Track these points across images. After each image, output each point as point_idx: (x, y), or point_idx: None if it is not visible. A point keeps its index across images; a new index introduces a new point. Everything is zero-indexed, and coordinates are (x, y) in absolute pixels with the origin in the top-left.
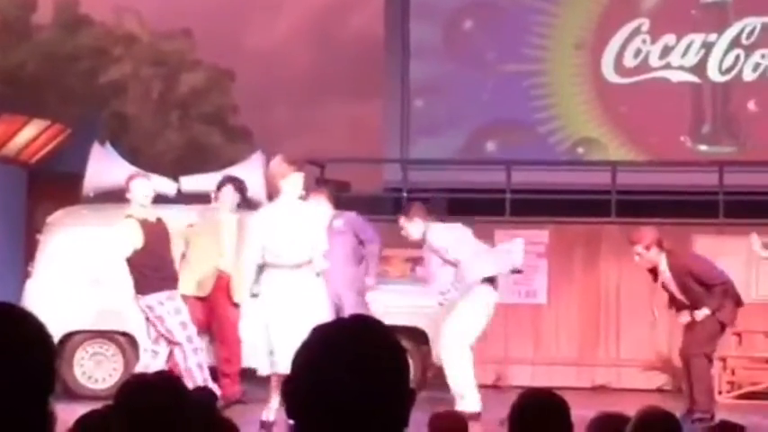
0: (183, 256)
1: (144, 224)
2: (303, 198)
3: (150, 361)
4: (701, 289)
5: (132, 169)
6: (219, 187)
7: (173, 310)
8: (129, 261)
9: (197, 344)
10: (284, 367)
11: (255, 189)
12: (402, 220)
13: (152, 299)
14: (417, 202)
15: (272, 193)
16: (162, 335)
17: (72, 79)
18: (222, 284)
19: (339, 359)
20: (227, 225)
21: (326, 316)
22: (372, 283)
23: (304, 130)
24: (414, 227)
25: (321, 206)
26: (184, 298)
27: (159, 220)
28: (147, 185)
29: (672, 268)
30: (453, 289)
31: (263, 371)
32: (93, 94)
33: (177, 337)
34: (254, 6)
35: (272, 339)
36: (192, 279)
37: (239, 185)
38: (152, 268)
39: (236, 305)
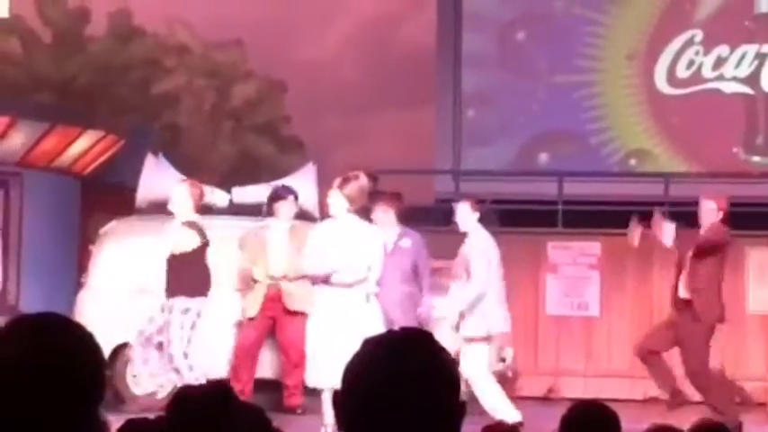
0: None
1: None
2: (358, 211)
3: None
4: None
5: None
6: (276, 199)
7: None
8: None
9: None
10: (335, 382)
11: (308, 200)
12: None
13: None
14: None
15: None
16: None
17: (125, 90)
18: (276, 296)
19: (389, 372)
20: (277, 237)
21: (380, 331)
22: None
23: (356, 141)
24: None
25: (388, 218)
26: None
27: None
28: None
29: None
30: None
31: (320, 385)
32: (146, 105)
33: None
34: (305, 17)
35: (324, 354)
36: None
37: (297, 196)
38: None
39: (295, 315)
